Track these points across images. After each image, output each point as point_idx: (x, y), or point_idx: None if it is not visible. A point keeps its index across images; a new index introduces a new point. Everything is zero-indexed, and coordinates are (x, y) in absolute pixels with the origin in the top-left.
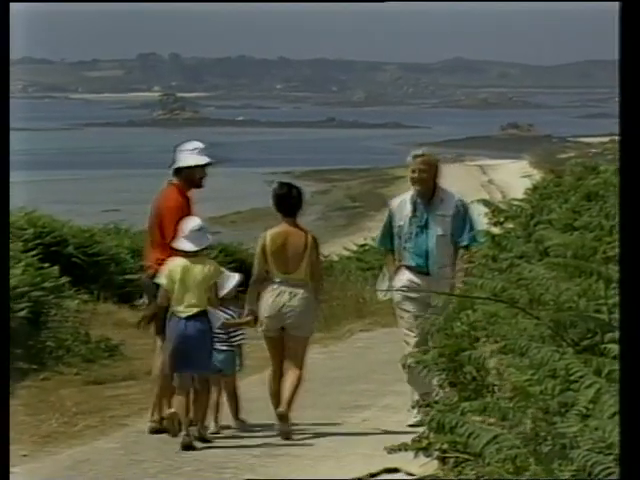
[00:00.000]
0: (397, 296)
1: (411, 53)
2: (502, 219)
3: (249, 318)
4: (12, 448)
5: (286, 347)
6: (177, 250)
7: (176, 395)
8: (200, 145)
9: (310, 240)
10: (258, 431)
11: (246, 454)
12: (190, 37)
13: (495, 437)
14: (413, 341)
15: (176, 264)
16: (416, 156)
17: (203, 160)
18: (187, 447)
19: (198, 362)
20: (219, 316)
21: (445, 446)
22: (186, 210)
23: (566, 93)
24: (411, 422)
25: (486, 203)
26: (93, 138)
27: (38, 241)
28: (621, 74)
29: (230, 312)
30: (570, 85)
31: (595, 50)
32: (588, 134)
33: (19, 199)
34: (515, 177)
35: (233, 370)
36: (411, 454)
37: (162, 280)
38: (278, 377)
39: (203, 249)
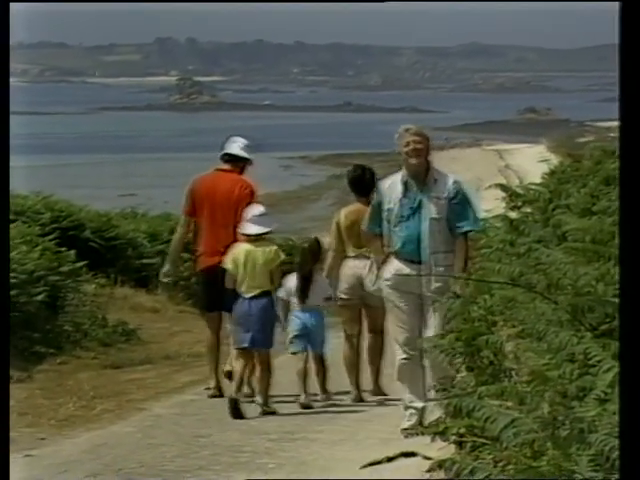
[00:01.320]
0: (386, 288)
1: (428, 37)
2: (520, 203)
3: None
4: (30, 431)
5: (366, 317)
6: (242, 234)
7: (238, 368)
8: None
9: None
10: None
11: (263, 438)
12: (207, 21)
13: (513, 421)
14: (402, 338)
15: (240, 249)
16: (408, 129)
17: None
18: (236, 413)
19: (261, 339)
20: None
21: (462, 430)
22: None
23: (584, 77)
24: (405, 426)
25: (503, 187)
26: (110, 122)
27: (55, 225)
28: (621, 74)
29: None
30: (588, 69)
31: (613, 33)
32: (607, 118)
33: (36, 183)
34: (532, 162)
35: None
36: (428, 438)
37: (228, 265)
38: (356, 348)
39: (265, 233)
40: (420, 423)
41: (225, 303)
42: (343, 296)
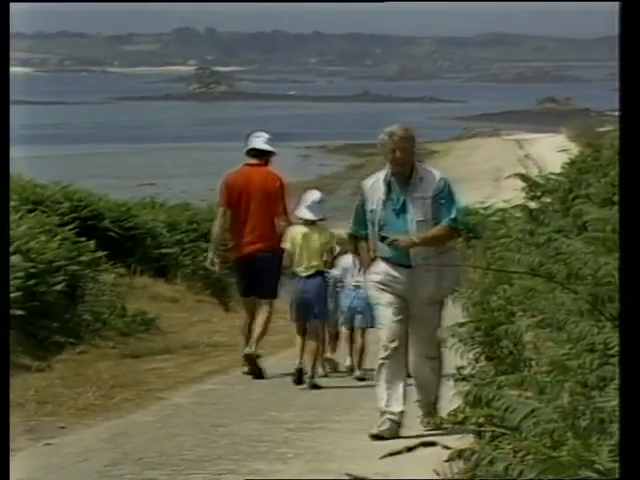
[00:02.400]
0: (373, 289)
1: (446, 27)
2: (539, 193)
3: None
4: (50, 420)
5: None
6: (298, 218)
7: (299, 342)
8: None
9: None
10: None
11: (281, 427)
12: (225, 11)
13: (532, 411)
14: (385, 339)
15: (297, 231)
16: (393, 134)
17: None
18: (299, 381)
19: (315, 313)
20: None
21: (481, 420)
22: None
23: (604, 66)
24: (375, 432)
25: (523, 177)
26: (129, 112)
27: (74, 215)
28: (621, 74)
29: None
30: (609, 58)
31: None
32: None
33: (55, 173)
34: (552, 151)
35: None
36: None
37: (287, 245)
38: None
39: (321, 219)
40: (397, 430)
41: (270, 285)
42: None
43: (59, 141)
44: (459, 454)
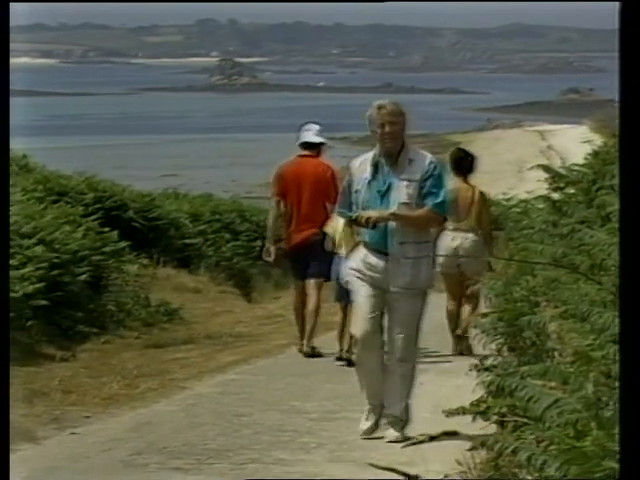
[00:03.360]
0: (350, 278)
1: (469, 18)
2: (562, 184)
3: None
4: (75, 409)
5: (463, 283)
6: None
7: (340, 321)
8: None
9: (477, 194)
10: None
11: (304, 417)
12: (247, 3)
13: (556, 401)
14: (361, 333)
15: (338, 218)
16: (381, 107)
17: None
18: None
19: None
20: None
21: (504, 410)
22: None
23: None
24: (363, 427)
25: (546, 169)
26: (152, 103)
27: (98, 205)
28: (621, 74)
29: None
30: None
31: None
32: None
33: (79, 164)
34: (575, 142)
35: None
36: (469, 418)
37: (328, 229)
38: (457, 306)
39: None
40: (376, 425)
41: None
42: (441, 262)
43: (83, 132)
44: (482, 444)
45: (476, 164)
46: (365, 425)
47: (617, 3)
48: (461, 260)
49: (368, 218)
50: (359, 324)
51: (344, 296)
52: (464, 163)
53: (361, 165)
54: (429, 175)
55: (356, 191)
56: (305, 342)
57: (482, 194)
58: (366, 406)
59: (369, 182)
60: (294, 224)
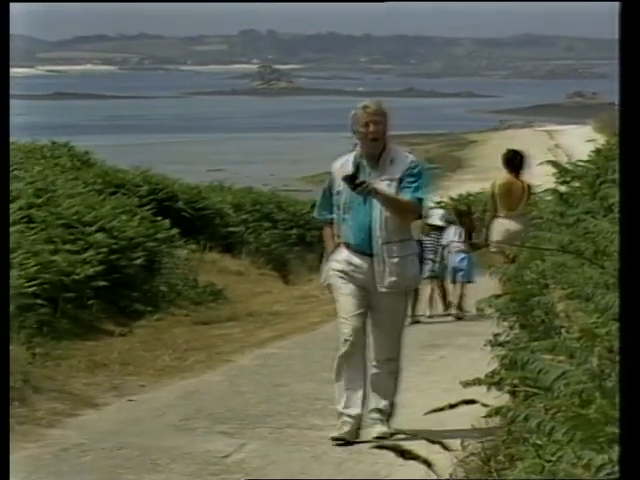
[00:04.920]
0: (332, 277)
1: (484, 29)
2: (569, 179)
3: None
4: (132, 379)
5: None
6: None
7: None
8: None
9: (526, 187)
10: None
11: (333, 387)
12: (285, 15)
13: (563, 373)
14: (344, 333)
15: None
16: (367, 106)
17: None
18: (416, 322)
19: None
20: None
21: (516, 381)
22: None
23: None
24: (335, 434)
25: (554, 164)
26: (200, 105)
27: (152, 197)
28: (621, 74)
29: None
30: None
31: None
32: None
33: (135, 159)
34: (580, 141)
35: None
36: (484, 388)
37: None
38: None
39: None
40: (356, 433)
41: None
42: (494, 245)
43: (139, 131)
44: (496, 411)
45: (525, 162)
46: (340, 432)
47: (617, 4)
48: (513, 243)
49: (362, 182)
50: (345, 323)
51: None
52: (514, 162)
53: (342, 166)
54: (409, 173)
55: (338, 193)
56: None
57: (529, 188)
58: (340, 418)
59: None
60: None
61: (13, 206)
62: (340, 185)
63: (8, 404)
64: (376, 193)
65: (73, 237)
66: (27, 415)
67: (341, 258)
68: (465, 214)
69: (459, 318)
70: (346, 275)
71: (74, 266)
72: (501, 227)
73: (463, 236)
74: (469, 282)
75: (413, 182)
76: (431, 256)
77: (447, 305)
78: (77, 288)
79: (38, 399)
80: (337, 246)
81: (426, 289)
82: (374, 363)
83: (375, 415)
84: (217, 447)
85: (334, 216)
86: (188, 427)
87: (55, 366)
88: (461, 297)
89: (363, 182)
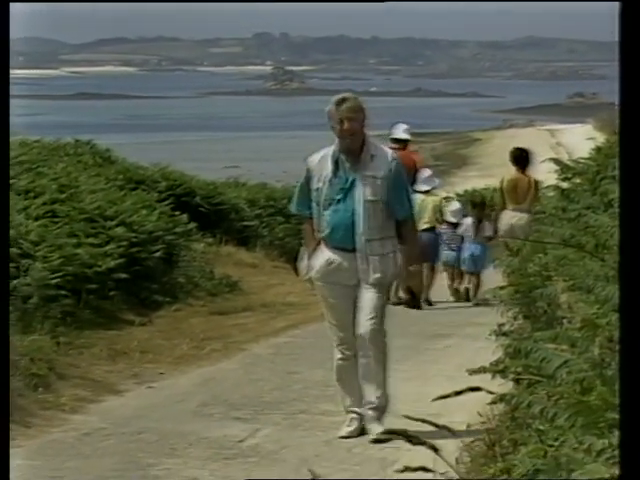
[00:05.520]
0: (315, 275)
1: (488, 32)
2: (570, 175)
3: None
4: (151, 367)
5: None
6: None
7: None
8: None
9: (532, 182)
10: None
11: None
12: (297, 18)
13: (565, 362)
14: (336, 337)
15: (416, 197)
16: (341, 102)
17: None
18: (430, 304)
19: (430, 257)
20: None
21: (520, 369)
22: None
23: None
24: (343, 433)
25: (556, 161)
26: (216, 105)
27: (170, 192)
28: (621, 75)
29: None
30: None
31: None
32: None
33: (154, 156)
34: (581, 140)
35: (457, 263)
36: (489, 376)
37: None
38: None
39: (432, 189)
40: (361, 430)
41: None
42: (502, 235)
43: (158, 129)
44: (500, 398)
45: (531, 159)
46: (347, 430)
47: (617, 5)
48: (518, 233)
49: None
50: (334, 328)
51: (427, 257)
52: (521, 158)
53: (320, 162)
54: (394, 174)
55: (317, 189)
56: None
57: (536, 183)
58: (349, 414)
59: (330, 179)
60: None
61: (37, 201)
62: (319, 181)
63: (8, 404)
64: (415, 262)
65: (95, 231)
66: (51, 401)
67: (322, 259)
68: (479, 206)
69: (477, 304)
70: (328, 277)
71: (96, 259)
72: (508, 219)
73: (477, 227)
74: (480, 271)
75: (400, 190)
76: (448, 246)
77: (456, 292)
78: (99, 280)
79: (62, 386)
80: (318, 242)
81: (441, 276)
82: (361, 353)
83: (371, 413)
84: (233, 432)
85: (313, 212)
86: (205, 413)
87: (78, 354)
88: (477, 285)
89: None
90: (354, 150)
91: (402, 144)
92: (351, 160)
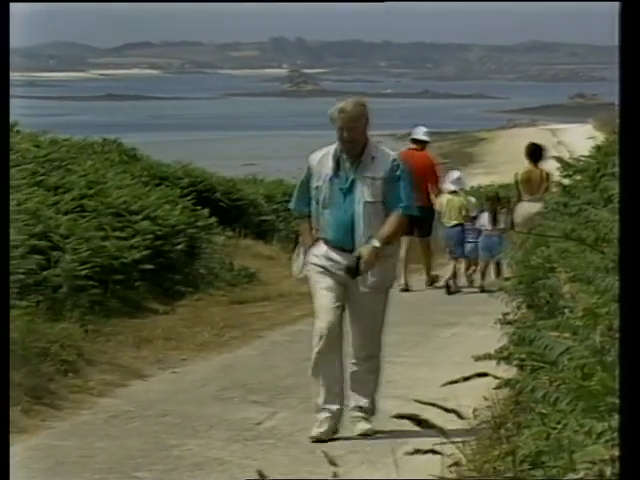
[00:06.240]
0: (310, 271)
1: (494, 36)
2: (571, 172)
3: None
4: (174, 353)
5: None
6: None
7: (451, 267)
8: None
9: (544, 175)
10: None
11: None
12: (312, 23)
13: (567, 349)
14: (320, 329)
15: (445, 198)
16: (342, 110)
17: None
18: (448, 291)
19: (458, 250)
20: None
21: (523, 356)
22: None
23: None
24: (314, 433)
25: (558, 159)
26: (235, 106)
27: (192, 188)
28: (621, 75)
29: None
30: None
31: None
32: None
33: (177, 154)
34: (581, 138)
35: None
36: (494, 362)
37: (438, 207)
38: None
39: (460, 190)
40: (335, 429)
41: (425, 229)
42: (518, 222)
43: (180, 129)
44: (505, 383)
45: (545, 153)
46: (318, 431)
47: (616, 5)
48: (535, 222)
49: (358, 259)
50: (323, 317)
51: (452, 251)
52: (535, 153)
53: (321, 160)
54: (394, 175)
55: (316, 187)
56: (426, 277)
57: (548, 175)
58: (320, 413)
59: (331, 179)
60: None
61: (67, 197)
62: (319, 180)
63: (8, 403)
64: (377, 250)
65: (121, 225)
66: (80, 385)
67: (320, 253)
68: (492, 199)
69: (483, 290)
70: (325, 270)
71: (122, 251)
72: (524, 210)
73: (494, 220)
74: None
75: (397, 187)
76: (469, 239)
77: (470, 278)
78: (125, 271)
79: (90, 371)
80: (315, 241)
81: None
82: (353, 360)
83: (357, 413)
84: (251, 415)
85: (312, 210)
86: (225, 397)
87: (105, 341)
88: (498, 274)
89: (359, 259)
90: (355, 151)
91: (421, 145)
92: (352, 161)
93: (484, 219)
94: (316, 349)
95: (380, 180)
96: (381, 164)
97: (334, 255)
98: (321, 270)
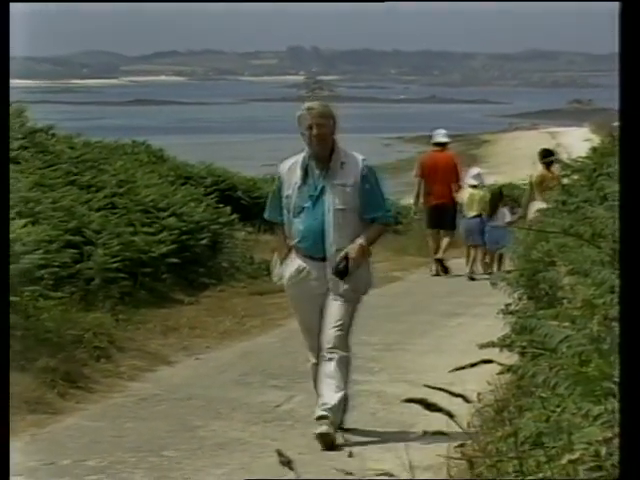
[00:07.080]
0: (286, 283)
1: (497, 45)
2: (569, 172)
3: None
4: (198, 341)
5: None
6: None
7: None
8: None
9: (556, 177)
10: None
11: (370, 347)
12: (326, 33)
13: (566, 337)
14: (308, 344)
15: (467, 192)
16: (312, 108)
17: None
18: (472, 279)
19: (478, 239)
20: (505, 215)
21: (525, 344)
22: None
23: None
24: (320, 430)
25: (557, 160)
26: (256, 110)
27: (215, 187)
28: (621, 75)
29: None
30: None
31: None
32: None
33: (201, 155)
34: (578, 141)
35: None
36: (497, 350)
37: (460, 199)
38: None
39: (480, 185)
40: (338, 427)
41: (449, 222)
42: (531, 219)
43: (204, 132)
44: (508, 369)
45: (556, 158)
46: (321, 429)
47: (617, 4)
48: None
49: (346, 257)
50: (306, 335)
51: (469, 239)
52: (546, 156)
53: (290, 169)
54: (364, 180)
55: (287, 196)
56: (441, 253)
57: (559, 178)
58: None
59: (299, 187)
60: (431, 194)
61: (99, 195)
62: (289, 188)
63: (8, 402)
64: (363, 247)
65: (150, 221)
66: (112, 370)
67: (292, 267)
68: (497, 195)
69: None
70: (298, 285)
71: (150, 245)
72: (537, 206)
73: (496, 213)
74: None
75: (373, 195)
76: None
77: (485, 265)
78: (153, 264)
79: (121, 357)
80: (289, 249)
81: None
82: (323, 359)
83: (321, 412)
84: (270, 398)
85: (284, 218)
86: (246, 381)
87: (135, 329)
88: (500, 266)
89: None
90: (323, 157)
91: (442, 147)
92: (321, 167)
93: (503, 213)
94: (310, 363)
95: (350, 187)
96: (351, 170)
97: (305, 265)
98: (295, 286)
